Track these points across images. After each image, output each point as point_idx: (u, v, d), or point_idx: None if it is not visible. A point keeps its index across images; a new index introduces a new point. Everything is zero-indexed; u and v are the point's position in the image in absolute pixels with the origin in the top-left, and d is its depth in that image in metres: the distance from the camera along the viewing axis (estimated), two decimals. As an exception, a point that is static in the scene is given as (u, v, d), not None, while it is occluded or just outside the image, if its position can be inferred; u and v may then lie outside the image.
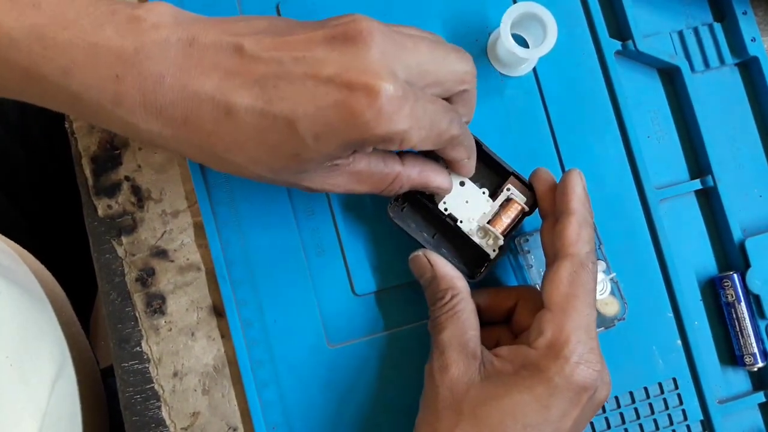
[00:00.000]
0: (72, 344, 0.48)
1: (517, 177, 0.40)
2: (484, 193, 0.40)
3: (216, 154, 0.33)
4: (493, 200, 0.40)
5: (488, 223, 0.40)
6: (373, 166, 0.36)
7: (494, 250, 0.40)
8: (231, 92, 0.31)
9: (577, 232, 0.36)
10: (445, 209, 0.40)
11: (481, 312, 0.40)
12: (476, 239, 0.40)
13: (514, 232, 0.40)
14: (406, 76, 0.32)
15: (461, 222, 0.40)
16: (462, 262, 0.41)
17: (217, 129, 0.32)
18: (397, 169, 0.37)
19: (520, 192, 0.40)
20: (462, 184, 0.40)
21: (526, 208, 0.40)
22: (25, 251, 0.54)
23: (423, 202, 0.40)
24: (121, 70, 0.31)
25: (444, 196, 0.40)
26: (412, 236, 0.40)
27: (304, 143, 0.32)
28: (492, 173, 0.41)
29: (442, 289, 0.38)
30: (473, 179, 0.40)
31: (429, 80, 0.34)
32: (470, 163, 0.39)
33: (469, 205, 0.40)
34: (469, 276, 0.40)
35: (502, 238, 0.40)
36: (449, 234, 0.41)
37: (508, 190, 0.40)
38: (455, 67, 0.35)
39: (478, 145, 0.40)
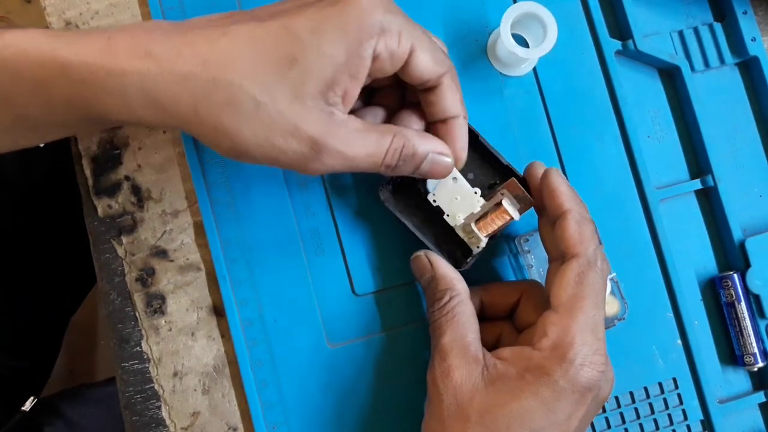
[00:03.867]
0: None
1: (514, 174, 0.40)
2: (476, 192, 0.40)
3: (210, 80, 0.32)
4: (485, 200, 0.39)
5: (475, 223, 0.39)
6: (369, 125, 0.35)
7: (478, 247, 0.40)
8: (225, 25, 0.33)
9: (577, 230, 0.36)
10: (434, 200, 0.40)
11: (484, 307, 0.40)
12: (460, 234, 0.40)
13: (497, 234, 0.40)
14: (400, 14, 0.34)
15: (447, 216, 0.40)
16: (448, 250, 0.41)
17: (211, 48, 0.32)
18: (393, 127, 0.36)
19: (514, 197, 0.39)
20: (455, 179, 0.39)
21: (516, 218, 0.39)
22: None
23: (416, 188, 0.40)
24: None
25: (435, 186, 0.39)
26: (401, 220, 0.40)
27: (300, 40, 0.32)
28: (488, 168, 0.41)
29: (440, 290, 0.38)
30: (467, 171, 0.40)
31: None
32: (464, 126, 0.38)
33: (458, 202, 0.40)
34: (455, 265, 0.40)
35: (484, 240, 0.39)
36: (438, 222, 0.41)
37: (502, 194, 0.39)
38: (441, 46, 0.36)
39: (475, 136, 0.40)
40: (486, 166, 0.41)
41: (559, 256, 0.37)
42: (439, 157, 0.37)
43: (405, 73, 0.36)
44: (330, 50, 0.32)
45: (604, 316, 0.36)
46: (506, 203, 0.38)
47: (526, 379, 0.34)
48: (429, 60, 0.35)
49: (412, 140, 0.36)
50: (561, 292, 0.35)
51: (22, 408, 0.67)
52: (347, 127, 0.34)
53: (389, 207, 0.40)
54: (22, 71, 0.33)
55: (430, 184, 0.39)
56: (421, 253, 0.40)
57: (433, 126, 0.38)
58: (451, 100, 0.37)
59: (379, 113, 0.39)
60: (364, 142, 0.35)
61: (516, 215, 0.38)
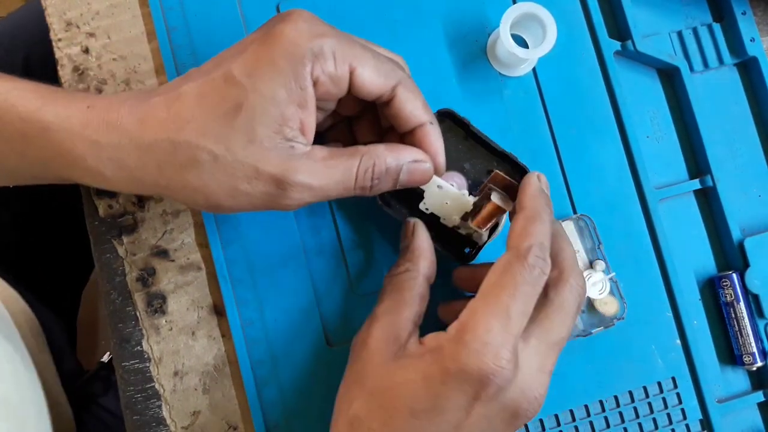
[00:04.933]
0: (29, 374, 0.48)
1: (509, 158, 0.40)
2: (464, 193, 0.39)
3: (170, 140, 0.34)
4: (476, 196, 0.39)
5: (471, 220, 0.39)
6: (335, 151, 0.35)
7: (482, 239, 0.40)
8: (180, 86, 0.35)
9: (522, 226, 0.35)
10: (426, 209, 0.40)
11: (460, 282, 0.40)
12: (463, 230, 0.40)
13: (500, 222, 0.39)
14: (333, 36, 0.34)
15: (443, 219, 0.40)
16: (456, 246, 0.41)
17: (168, 114, 0.34)
18: (361, 148, 0.36)
19: (502, 188, 0.38)
20: (439, 187, 0.39)
21: (508, 208, 0.38)
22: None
23: (413, 191, 0.39)
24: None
25: (424, 197, 0.39)
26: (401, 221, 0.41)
27: (241, 86, 0.33)
28: (482, 155, 0.40)
29: (403, 260, 0.38)
30: (463, 162, 0.40)
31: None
32: (435, 131, 0.37)
33: (449, 206, 0.39)
34: (458, 258, 0.40)
35: (485, 234, 0.39)
36: (440, 221, 0.41)
37: (490, 189, 0.38)
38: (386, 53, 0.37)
39: (466, 126, 0.40)
40: (480, 154, 0.41)
41: None
42: (416, 165, 0.37)
43: (354, 92, 0.36)
44: (268, 90, 0.33)
45: (523, 311, 0.33)
46: (495, 197, 0.38)
47: (423, 358, 0.33)
48: (373, 75, 0.35)
49: (383, 156, 0.36)
50: (486, 281, 0.34)
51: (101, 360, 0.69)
52: (311, 158, 0.34)
53: (390, 214, 0.40)
54: (5, 123, 0.35)
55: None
56: (412, 221, 0.39)
57: (406, 138, 0.38)
58: (410, 108, 0.36)
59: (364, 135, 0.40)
60: (330, 171, 0.35)
61: (507, 206, 0.38)
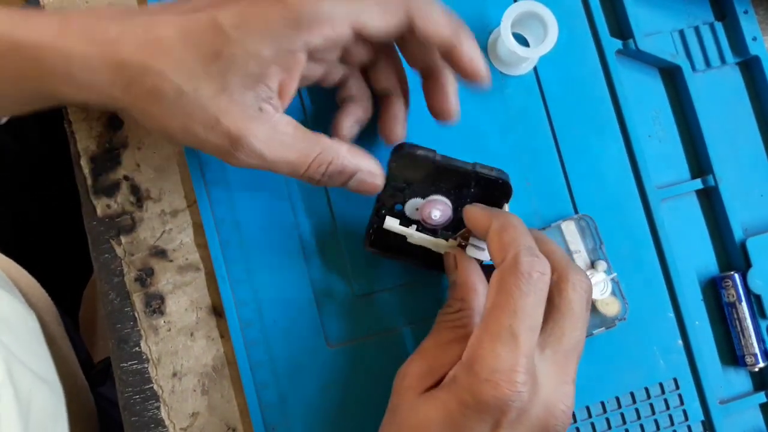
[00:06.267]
0: (57, 359, 0.48)
1: (479, 174, 0.38)
2: (440, 238, 0.38)
3: (141, 69, 0.33)
4: (452, 235, 0.39)
5: (463, 249, 0.38)
6: (300, 129, 0.35)
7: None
8: (166, 13, 0.34)
9: (497, 240, 0.33)
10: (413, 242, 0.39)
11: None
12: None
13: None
14: None
15: (433, 249, 0.39)
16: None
17: (146, 38, 0.33)
18: (325, 141, 0.35)
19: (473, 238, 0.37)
20: (411, 236, 0.38)
21: (487, 258, 0.37)
22: (8, 261, 0.53)
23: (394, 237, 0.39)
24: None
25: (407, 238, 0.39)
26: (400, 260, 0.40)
27: (226, 35, 0.32)
28: (455, 179, 0.39)
29: (454, 297, 0.37)
30: (439, 187, 0.39)
31: None
32: (468, 42, 0.35)
33: (431, 243, 0.39)
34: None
35: (486, 253, 0.38)
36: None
37: (464, 246, 0.38)
38: None
39: (431, 156, 0.38)
40: (455, 173, 0.39)
41: None
42: (369, 177, 0.36)
43: (367, 39, 0.35)
44: (253, 47, 0.33)
45: (530, 325, 0.31)
46: (471, 251, 0.37)
47: (443, 390, 0.33)
48: (379, 21, 0.34)
49: (343, 156, 0.35)
50: (486, 302, 0.33)
51: None
52: (274, 128, 0.34)
53: (382, 253, 0.40)
54: None
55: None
56: (452, 252, 0.38)
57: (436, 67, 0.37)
58: (433, 29, 0.35)
59: (356, 116, 0.39)
60: (286, 149, 0.34)
61: (485, 256, 0.37)
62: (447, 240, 0.39)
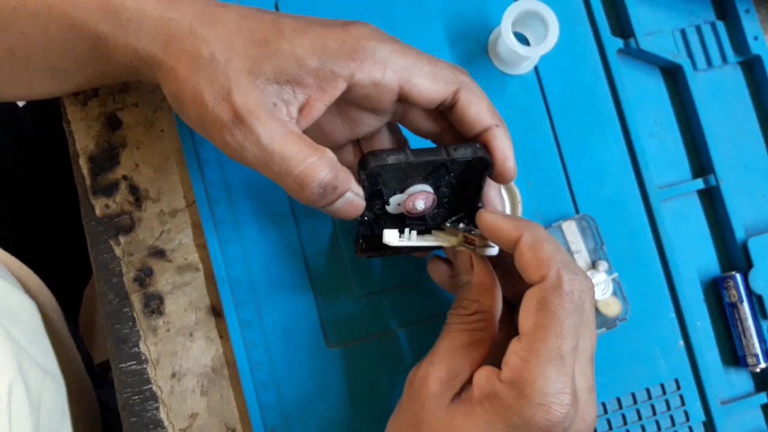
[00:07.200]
0: (61, 354, 0.47)
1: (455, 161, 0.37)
2: (431, 238, 0.38)
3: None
4: (446, 226, 0.38)
5: (467, 245, 0.37)
6: (306, 137, 0.34)
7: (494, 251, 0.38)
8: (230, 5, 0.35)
9: (533, 256, 0.33)
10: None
11: (436, 275, 0.39)
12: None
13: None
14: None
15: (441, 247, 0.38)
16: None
17: (204, 9, 0.34)
18: (329, 152, 0.34)
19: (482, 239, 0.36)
20: (401, 232, 0.37)
21: (495, 253, 0.36)
22: (10, 257, 0.53)
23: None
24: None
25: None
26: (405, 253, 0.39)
27: (281, 33, 0.33)
28: (435, 165, 0.37)
29: (469, 299, 0.36)
30: (418, 178, 0.38)
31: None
32: (502, 134, 0.36)
33: (429, 241, 0.38)
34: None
35: (495, 248, 0.37)
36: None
37: (473, 249, 0.37)
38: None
39: (402, 159, 0.36)
40: (429, 167, 0.37)
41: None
42: (355, 198, 0.35)
43: (414, 101, 0.35)
44: (302, 52, 0.33)
45: (576, 346, 0.32)
46: (481, 251, 0.37)
47: (484, 406, 0.32)
48: (429, 82, 0.34)
49: (340, 170, 0.34)
50: (524, 320, 0.32)
51: None
52: (280, 122, 0.33)
53: (376, 257, 0.39)
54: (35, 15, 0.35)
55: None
56: (466, 252, 0.37)
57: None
58: (474, 112, 0.35)
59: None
60: (286, 140, 0.33)
61: (494, 252, 0.37)
62: (445, 231, 0.38)
